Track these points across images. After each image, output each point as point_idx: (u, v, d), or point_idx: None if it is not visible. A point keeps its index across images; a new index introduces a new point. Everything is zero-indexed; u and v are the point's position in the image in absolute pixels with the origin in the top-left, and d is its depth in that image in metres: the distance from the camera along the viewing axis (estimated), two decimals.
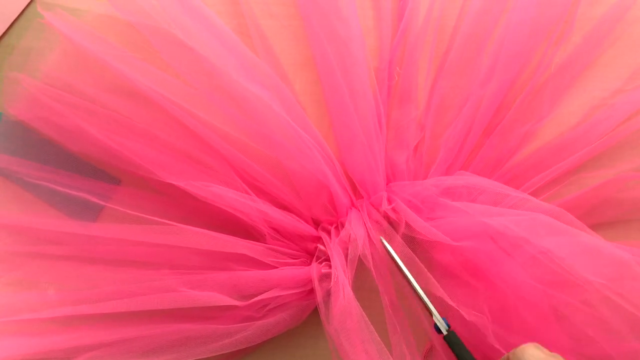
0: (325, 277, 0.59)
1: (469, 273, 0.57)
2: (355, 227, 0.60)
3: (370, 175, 0.60)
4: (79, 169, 0.61)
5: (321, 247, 0.61)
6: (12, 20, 0.63)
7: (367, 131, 0.60)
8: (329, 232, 0.61)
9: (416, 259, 0.57)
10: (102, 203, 0.59)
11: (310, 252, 0.62)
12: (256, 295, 0.58)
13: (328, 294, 0.58)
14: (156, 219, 0.58)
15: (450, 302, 0.55)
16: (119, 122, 0.58)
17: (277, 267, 0.59)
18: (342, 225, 0.61)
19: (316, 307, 0.59)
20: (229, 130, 0.58)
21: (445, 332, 0.54)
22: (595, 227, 0.58)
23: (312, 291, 0.59)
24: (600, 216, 0.59)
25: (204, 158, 0.59)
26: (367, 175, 0.60)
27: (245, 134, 0.59)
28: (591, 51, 0.62)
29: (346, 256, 0.59)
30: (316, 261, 0.60)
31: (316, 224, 0.62)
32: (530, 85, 0.61)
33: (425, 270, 0.57)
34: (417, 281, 0.56)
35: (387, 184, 0.62)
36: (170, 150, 0.59)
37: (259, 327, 0.58)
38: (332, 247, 0.59)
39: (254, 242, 0.59)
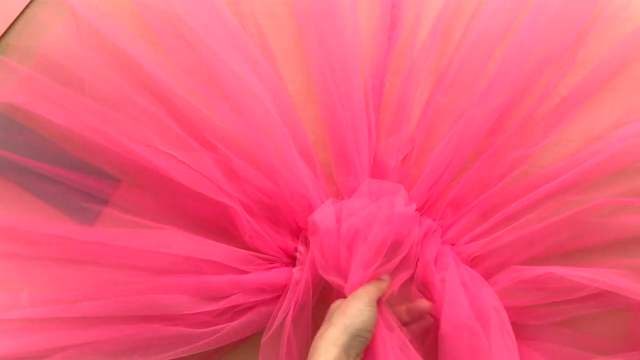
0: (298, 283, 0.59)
1: None
2: None
3: (353, 175, 0.60)
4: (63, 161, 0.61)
5: (301, 248, 0.60)
6: (12, 21, 0.62)
7: (355, 134, 0.59)
8: (307, 241, 0.60)
9: None
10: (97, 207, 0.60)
11: (290, 254, 0.61)
12: (227, 298, 0.58)
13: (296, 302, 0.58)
14: (136, 219, 0.60)
15: None
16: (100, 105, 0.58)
17: (249, 272, 0.59)
18: None
19: None
20: (219, 121, 0.58)
21: None
22: (576, 251, 0.58)
23: (282, 295, 0.59)
24: (582, 240, 0.58)
25: (189, 143, 0.59)
26: (350, 175, 0.60)
27: (234, 127, 0.58)
28: (592, 87, 0.61)
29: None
30: (297, 265, 0.60)
31: (298, 229, 0.62)
32: (526, 112, 0.60)
33: None
34: None
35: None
36: (157, 130, 0.58)
37: (230, 329, 0.58)
38: (307, 258, 0.59)
39: (227, 246, 0.59)
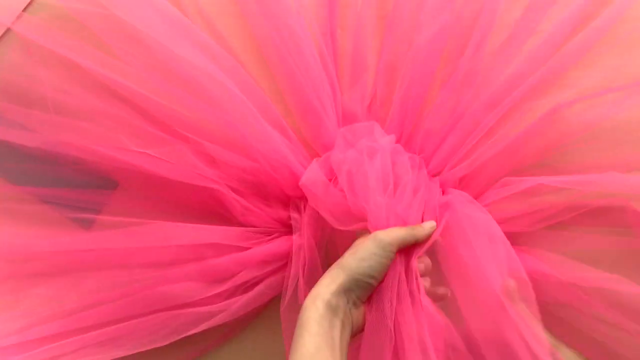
0: (302, 248, 0.60)
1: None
2: None
3: (325, 131, 0.61)
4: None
5: (295, 215, 0.61)
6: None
7: (317, 93, 0.60)
8: (298, 207, 0.61)
9: None
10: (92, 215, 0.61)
11: (285, 223, 0.62)
12: (234, 277, 0.59)
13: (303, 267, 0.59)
14: (126, 219, 0.59)
15: None
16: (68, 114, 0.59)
17: (250, 248, 0.60)
18: None
19: None
20: (185, 111, 0.59)
21: None
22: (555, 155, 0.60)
23: (288, 263, 0.60)
24: (559, 141, 0.59)
25: (163, 138, 0.59)
26: (322, 132, 0.61)
27: (203, 115, 0.59)
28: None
29: (318, 228, 0.60)
30: (295, 232, 0.60)
31: (287, 197, 0.62)
32: (480, 35, 0.60)
33: None
34: None
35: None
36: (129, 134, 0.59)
37: (243, 302, 0.59)
38: (303, 222, 0.60)
39: (225, 227, 0.60)
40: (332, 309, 0.47)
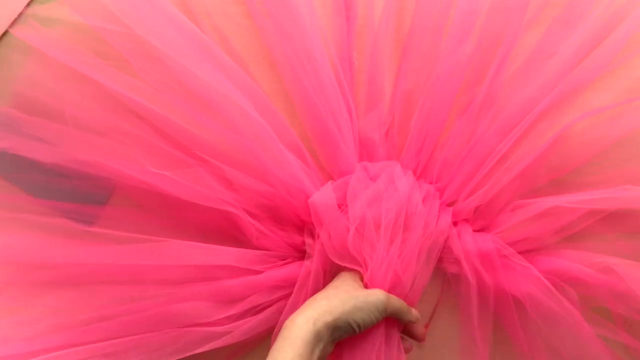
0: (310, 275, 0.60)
1: None
2: None
3: (342, 157, 0.61)
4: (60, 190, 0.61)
5: (309, 241, 0.61)
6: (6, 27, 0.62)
7: (335, 118, 0.60)
8: (312, 233, 0.61)
9: None
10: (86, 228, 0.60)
11: (299, 248, 0.62)
12: (245, 299, 0.59)
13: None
14: (141, 236, 0.59)
15: None
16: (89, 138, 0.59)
17: (263, 272, 0.60)
18: None
19: None
20: (202, 133, 0.59)
21: None
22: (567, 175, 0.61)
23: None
24: (570, 161, 0.60)
25: (180, 158, 0.59)
26: (339, 158, 0.61)
27: (220, 138, 0.59)
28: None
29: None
30: (307, 258, 0.60)
31: (302, 222, 0.62)
32: (498, 63, 0.61)
33: None
34: None
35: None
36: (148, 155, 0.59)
37: (248, 327, 0.59)
38: (316, 248, 0.60)
39: (239, 249, 0.60)
40: (317, 338, 0.48)
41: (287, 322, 0.49)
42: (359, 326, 0.51)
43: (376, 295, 0.52)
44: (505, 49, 0.61)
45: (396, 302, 0.54)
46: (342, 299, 0.51)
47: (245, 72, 0.61)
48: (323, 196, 0.58)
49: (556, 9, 0.62)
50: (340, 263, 0.57)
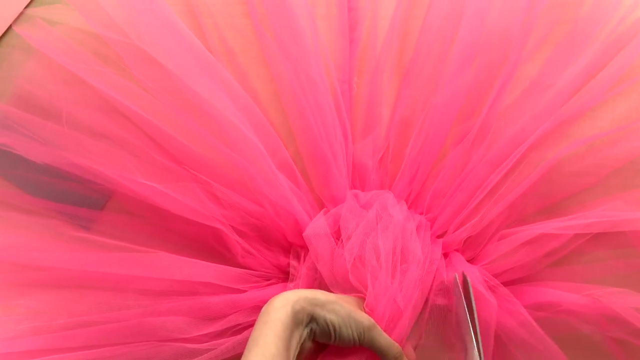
0: None
1: None
2: None
3: (333, 181, 0.60)
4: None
5: (294, 263, 0.61)
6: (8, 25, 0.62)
7: (330, 141, 0.60)
8: (298, 255, 0.61)
9: None
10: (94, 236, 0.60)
11: (284, 269, 0.61)
12: (225, 317, 0.59)
13: None
14: (128, 245, 0.59)
15: None
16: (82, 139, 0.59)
17: (246, 291, 0.59)
18: None
19: None
20: (196, 147, 0.59)
21: None
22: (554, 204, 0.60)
23: None
24: (559, 192, 0.60)
25: (172, 170, 0.59)
26: (330, 182, 0.60)
27: (212, 153, 0.59)
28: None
29: (315, 279, 0.59)
30: (291, 280, 0.60)
31: (289, 244, 0.62)
32: (495, 95, 0.61)
33: None
34: None
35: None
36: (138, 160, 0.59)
37: (230, 344, 0.58)
38: (301, 271, 0.59)
39: (223, 266, 0.60)
40: (296, 322, 0.48)
41: (266, 306, 0.49)
42: (335, 331, 0.50)
43: (363, 317, 0.51)
44: (503, 80, 0.61)
45: (382, 338, 0.52)
46: (327, 296, 0.50)
47: (244, 86, 0.61)
48: (317, 229, 0.58)
49: (556, 42, 0.62)
50: (341, 294, 0.56)
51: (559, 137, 0.60)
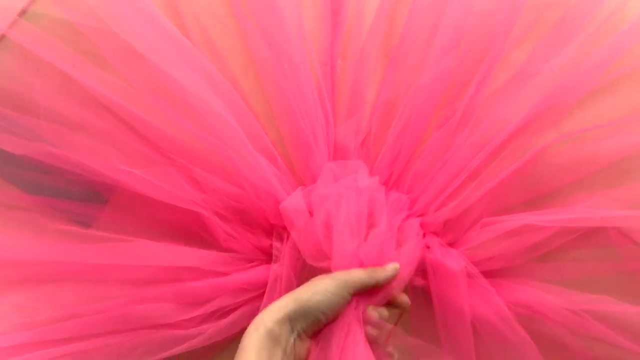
0: (280, 278, 0.59)
1: None
2: None
3: (314, 162, 0.61)
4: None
5: (277, 244, 0.61)
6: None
7: (311, 122, 0.60)
8: (281, 236, 0.61)
9: None
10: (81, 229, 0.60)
11: (267, 251, 0.61)
12: (211, 302, 0.59)
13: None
14: (107, 235, 0.59)
15: None
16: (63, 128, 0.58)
17: (230, 274, 0.59)
18: None
19: None
20: (176, 133, 0.58)
21: None
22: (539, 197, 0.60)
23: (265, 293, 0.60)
24: (543, 184, 0.60)
25: (151, 156, 0.59)
26: (311, 163, 0.61)
27: (192, 138, 0.59)
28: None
29: (299, 259, 0.60)
30: (275, 261, 0.60)
31: (271, 226, 0.62)
32: (479, 80, 0.61)
33: None
34: None
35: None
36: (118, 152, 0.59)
37: (216, 329, 0.59)
38: (284, 251, 0.60)
39: (205, 250, 0.60)
40: (273, 338, 0.47)
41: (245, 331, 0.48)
42: (321, 312, 0.49)
43: (332, 276, 0.51)
44: (488, 65, 0.61)
45: (357, 272, 0.52)
46: (296, 292, 0.50)
47: (225, 73, 0.61)
48: (293, 202, 0.58)
49: (544, 29, 0.62)
50: (316, 265, 0.56)
51: (546, 126, 0.60)
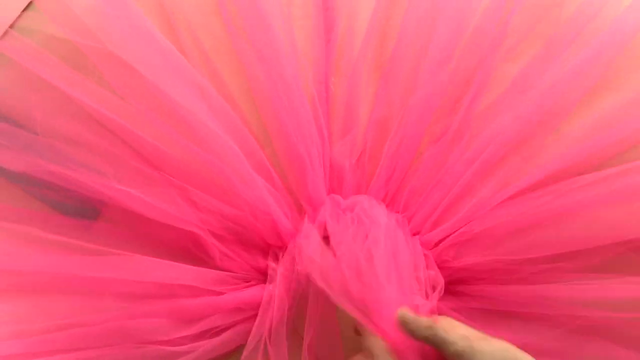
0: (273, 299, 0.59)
1: None
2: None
3: (310, 183, 0.60)
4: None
5: (272, 264, 0.61)
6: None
7: (306, 143, 0.60)
8: (277, 257, 0.61)
9: None
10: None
11: (262, 271, 0.61)
12: (204, 319, 0.59)
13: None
14: (105, 248, 0.59)
15: None
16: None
17: (224, 293, 0.59)
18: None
19: None
20: (172, 151, 0.58)
21: None
22: None
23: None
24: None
25: (148, 175, 0.59)
26: (307, 184, 0.61)
27: (188, 156, 0.59)
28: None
29: (293, 280, 0.59)
30: (270, 281, 0.60)
31: (267, 246, 0.62)
32: (473, 95, 0.61)
33: None
34: None
35: (328, 194, 0.62)
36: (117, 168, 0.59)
37: (209, 347, 0.58)
38: (278, 272, 0.60)
39: (200, 268, 0.60)
40: None
41: None
42: None
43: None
44: (481, 80, 0.61)
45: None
46: None
47: (219, 89, 0.61)
48: (309, 238, 0.57)
49: (538, 43, 0.62)
50: (342, 307, 0.52)
51: (541, 139, 0.60)
